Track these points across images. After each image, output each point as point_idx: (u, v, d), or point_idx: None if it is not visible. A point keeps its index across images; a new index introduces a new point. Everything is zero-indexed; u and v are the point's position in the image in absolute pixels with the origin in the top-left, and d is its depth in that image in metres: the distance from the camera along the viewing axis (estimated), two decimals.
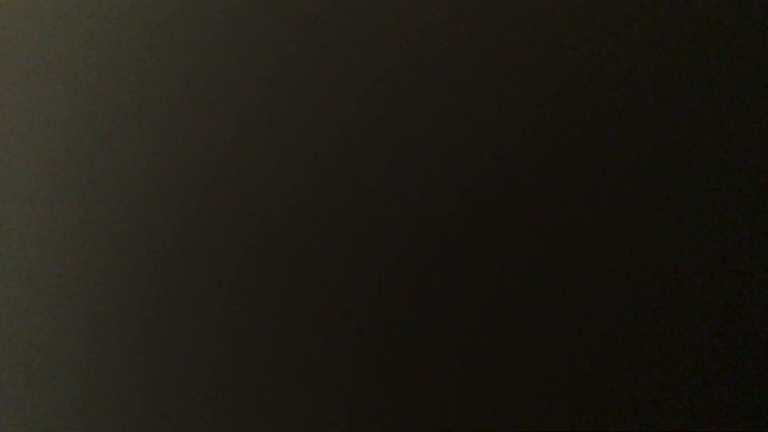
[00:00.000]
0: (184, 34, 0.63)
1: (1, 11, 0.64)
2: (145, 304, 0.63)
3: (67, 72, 0.64)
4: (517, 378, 0.61)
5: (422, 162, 0.62)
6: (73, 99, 0.64)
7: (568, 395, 0.61)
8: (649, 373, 0.60)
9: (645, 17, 0.61)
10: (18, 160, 0.64)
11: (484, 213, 0.61)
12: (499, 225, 0.61)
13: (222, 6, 0.63)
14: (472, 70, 0.62)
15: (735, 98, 0.61)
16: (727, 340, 0.60)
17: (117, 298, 0.63)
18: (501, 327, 0.61)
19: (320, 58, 0.63)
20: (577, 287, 0.61)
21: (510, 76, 0.62)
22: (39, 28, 0.64)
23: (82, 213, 0.63)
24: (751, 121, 0.60)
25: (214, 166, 0.63)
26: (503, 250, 0.61)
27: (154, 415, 0.63)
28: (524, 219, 0.61)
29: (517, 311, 0.61)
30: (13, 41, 0.64)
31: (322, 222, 0.62)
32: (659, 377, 0.60)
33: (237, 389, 0.62)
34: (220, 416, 0.62)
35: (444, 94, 0.62)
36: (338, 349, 0.62)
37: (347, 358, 0.62)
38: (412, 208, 0.62)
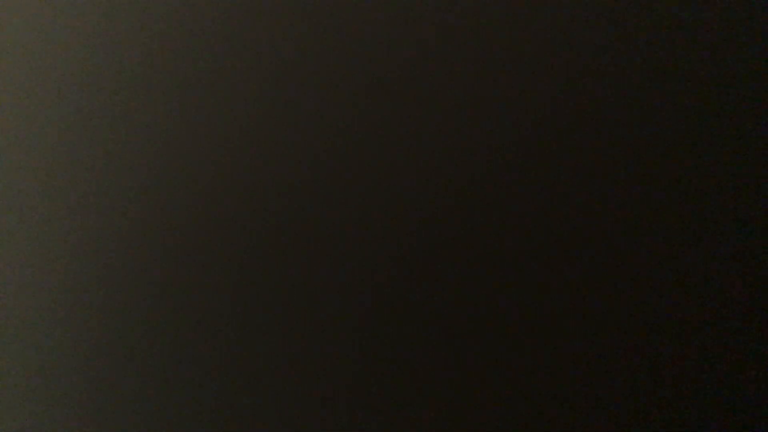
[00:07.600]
0: (185, 34, 0.64)
1: (0, 11, 0.64)
2: (146, 304, 0.63)
3: (67, 72, 0.64)
4: (517, 378, 0.61)
5: (421, 162, 0.62)
6: (73, 99, 0.64)
7: (567, 396, 0.61)
8: (648, 374, 0.60)
9: (645, 17, 0.61)
10: (21, 160, 0.64)
11: (484, 213, 0.61)
12: (499, 225, 0.61)
13: (222, 6, 0.63)
14: (471, 70, 0.62)
15: (735, 98, 0.61)
16: (727, 340, 0.60)
17: (118, 299, 0.63)
18: (501, 327, 0.61)
19: (319, 58, 0.63)
20: (577, 287, 0.61)
21: (509, 76, 0.62)
22: (39, 28, 0.64)
23: (83, 212, 0.64)
24: (751, 121, 0.61)
25: (215, 166, 0.63)
26: (503, 250, 0.61)
27: (155, 415, 0.63)
28: (524, 219, 0.61)
29: (517, 311, 0.61)
30: (14, 41, 0.64)
31: (321, 222, 0.62)
32: (659, 378, 0.60)
33: (238, 389, 0.62)
34: (221, 416, 0.63)
35: (443, 94, 0.62)
36: (338, 349, 0.62)
37: (347, 359, 0.62)
38: (411, 209, 0.62)
